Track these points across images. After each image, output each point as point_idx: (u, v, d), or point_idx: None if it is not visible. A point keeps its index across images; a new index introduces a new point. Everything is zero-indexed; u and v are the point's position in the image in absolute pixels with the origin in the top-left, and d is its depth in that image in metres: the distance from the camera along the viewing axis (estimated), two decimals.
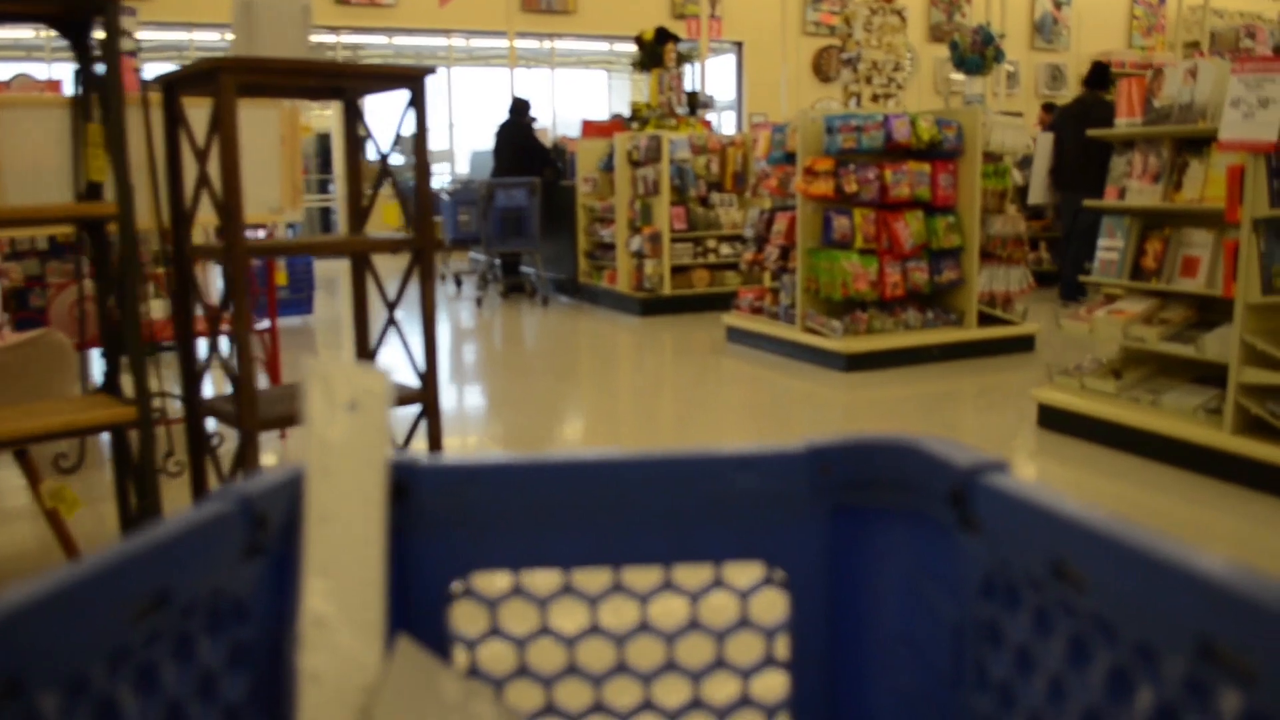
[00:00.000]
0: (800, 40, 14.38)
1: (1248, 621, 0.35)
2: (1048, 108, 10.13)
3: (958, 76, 9.79)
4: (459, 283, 9.69)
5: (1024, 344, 6.04)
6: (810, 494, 0.57)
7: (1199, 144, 3.88)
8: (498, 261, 9.37)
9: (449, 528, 0.57)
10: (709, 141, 8.09)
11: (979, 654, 0.51)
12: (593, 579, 0.58)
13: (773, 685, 0.59)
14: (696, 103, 8.67)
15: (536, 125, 10.59)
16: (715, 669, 0.59)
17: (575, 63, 16.25)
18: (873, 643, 0.57)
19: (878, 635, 0.57)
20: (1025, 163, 8.21)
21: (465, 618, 0.58)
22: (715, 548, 0.57)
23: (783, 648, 0.58)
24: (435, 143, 15.53)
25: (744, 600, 0.58)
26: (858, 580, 0.57)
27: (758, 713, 0.58)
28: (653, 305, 7.99)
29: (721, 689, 0.59)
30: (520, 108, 9.36)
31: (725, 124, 14.54)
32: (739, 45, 15.18)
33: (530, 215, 8.59)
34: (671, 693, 0.59)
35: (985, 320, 5.98)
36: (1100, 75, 8.10)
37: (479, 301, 8.69)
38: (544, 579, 0.57)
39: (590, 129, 9.05)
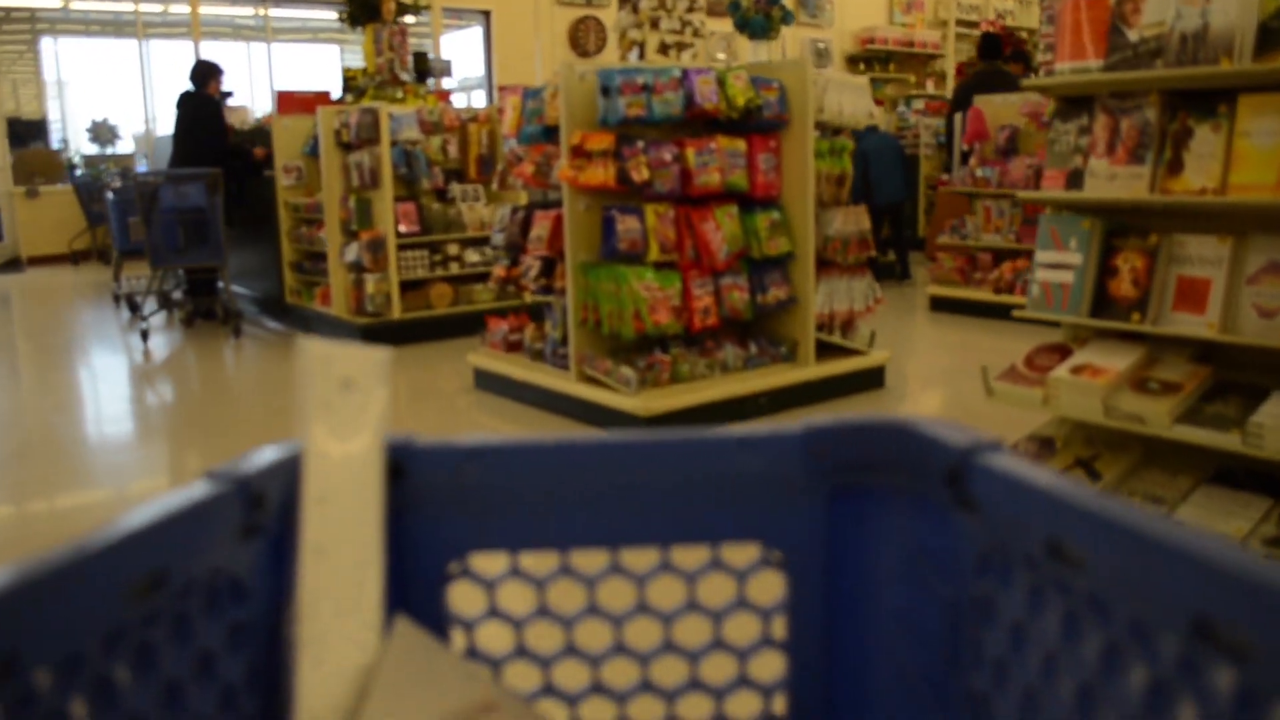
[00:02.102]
0: (554, 10, 12.66)
1: (1244, 600, 0.35)
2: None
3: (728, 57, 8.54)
4: (135, 306, 7.18)
5: (873, 379, 4.53)
6: (807, 475, 0.57)
7: (1211, 98, 2.37)
8: (180, 278, 7.10)
9: (446, 508, 0.56)
10: (444, 117, 6.18)
11: (975, 632, 0.51)
12: (591, 560, 0.57)
13: (770, 665, 0.59)
14: (428, 68, 6.72)
15: (234, 102, 8.26)
16: (713, 649, 0.59)
17: (302, 35, 13.86)
18: (869, 622, 0.57)
19: (874, 614, 0.57)
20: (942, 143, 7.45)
21: (463, 599, 0.58)
22: (713, 529, 0.57)
23: (780, 628, 0.58)
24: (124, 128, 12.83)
25: (741, 581, 0.58)
26: (855, 560, 0.57)
27: (755, 693, 0.59)
28: (378, 333, 6.02)
29: (719, 669, 0.59)
30: (203, 74, 7.09)
31: (475, 104, 12.62)
32: (486, 15, 13.25)
33: (211, 219, 6.40)
34: (669, 673, 0.59)
35: (825, 351, 4.42)
36: (993, 45, 7.35)
37: (144, 335, 6.40)
38: (542, 560, 0.57)
39: (289, 102, 6.92)
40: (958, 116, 7.47)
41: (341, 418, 0.51)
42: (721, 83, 4.03)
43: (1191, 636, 0.37)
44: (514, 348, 4.70)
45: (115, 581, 0.41)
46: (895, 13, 14.94)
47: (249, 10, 12.99)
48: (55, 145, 13.55)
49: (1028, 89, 2.97)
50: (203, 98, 7.04)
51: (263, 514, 0.50)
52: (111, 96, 13.43)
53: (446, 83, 7.05)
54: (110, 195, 6.65)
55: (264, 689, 0.51)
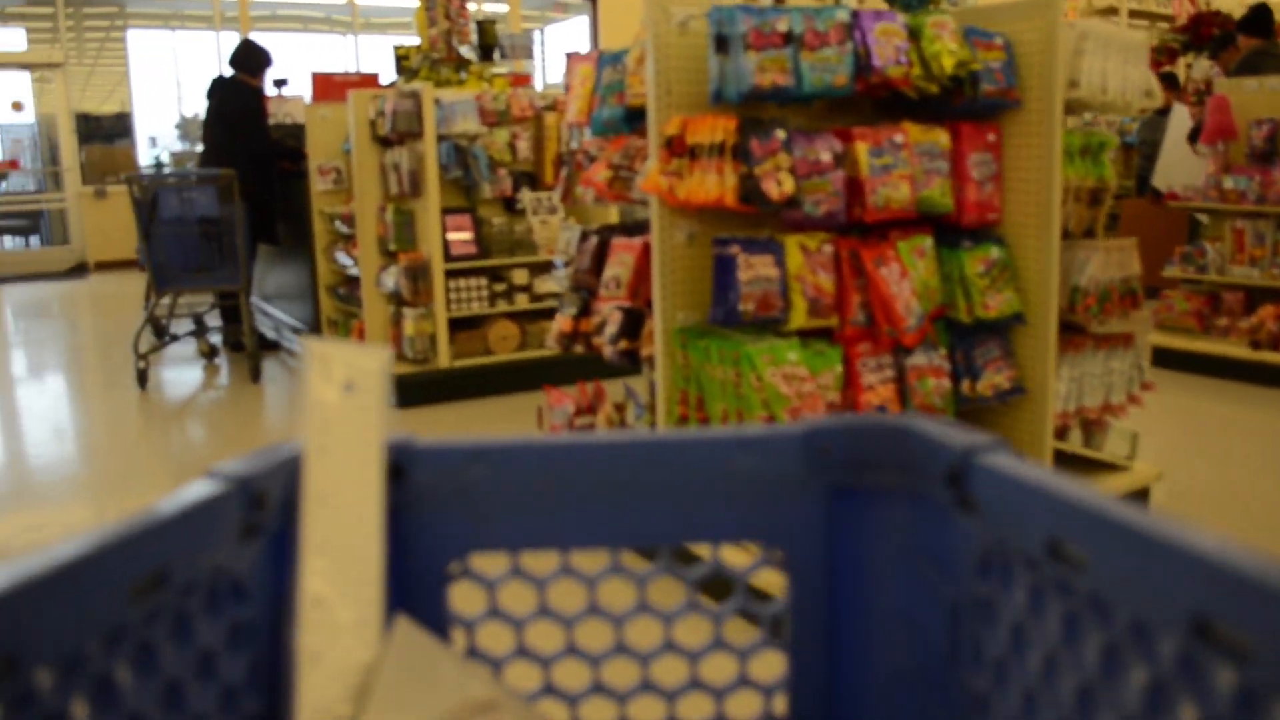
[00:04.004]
0: None
1: (1244, 600, 0.35)
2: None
3: None
4: (161, 330, 5.84)
5: None
6: (808, 475, 0.57)
7: None
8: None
9: (447, 508, 0.56)
10: (512, 103, 4.71)
11: (975, 632, 0.52)
12: (591, 560, 0.57)
13: (771, 665, 0.59)
14: (494, 41, 5.25)
15: (283, 92, 6.98)
16: (714, 649, 0.59)
17: (392, 26, 12.72)
18: (870, 622, 0.58)
19: (875, 614, 0.57)
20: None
21: (463, 599, 0.58)
22: (714, 528, 0.57)
23: (780, 629, 0.59)
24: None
25: (742, 580, 0.58)
26: (855, 560, 0.57)
27: (756, 692, 0.59)
28: (419, 389, 4.58)
29: (720, 670, 0.59)
30: (244, 58, 5.80)
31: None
32: (593, 1, 11.83)
33: (226, 231, 5.08)
34: (670, 673, 0.59)
35: (1061, 462, 2.78)
36: (1262, 20, 5.80)
37: (140, 376, 5.11)
38: (542, 560, 0.57)
39: (327, 88, 5.55)
40: (1180, 110, 5.69)
41: (342, 417, 0.52)
42: (915, 35, 2.43)
43: (1191, 636, 0.37)
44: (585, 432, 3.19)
45: (116, 581, 0.41)
46: None
47: None
48: (142, 142, 12.71)
49: None
50: (237, 84, 5.75)
51: (263, 514, 0.50)
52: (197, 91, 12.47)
53: (525, 67, 5.61)
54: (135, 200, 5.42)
55: (264, 688, 0.52)
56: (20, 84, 12.13)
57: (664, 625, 0.58)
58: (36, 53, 11.64)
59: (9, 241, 12.40)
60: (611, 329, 2.88)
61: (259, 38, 6.13)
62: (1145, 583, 0.39)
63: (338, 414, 0.51)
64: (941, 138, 2.55)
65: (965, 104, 2.56)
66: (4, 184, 12.88)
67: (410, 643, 0.51)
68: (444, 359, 4.62)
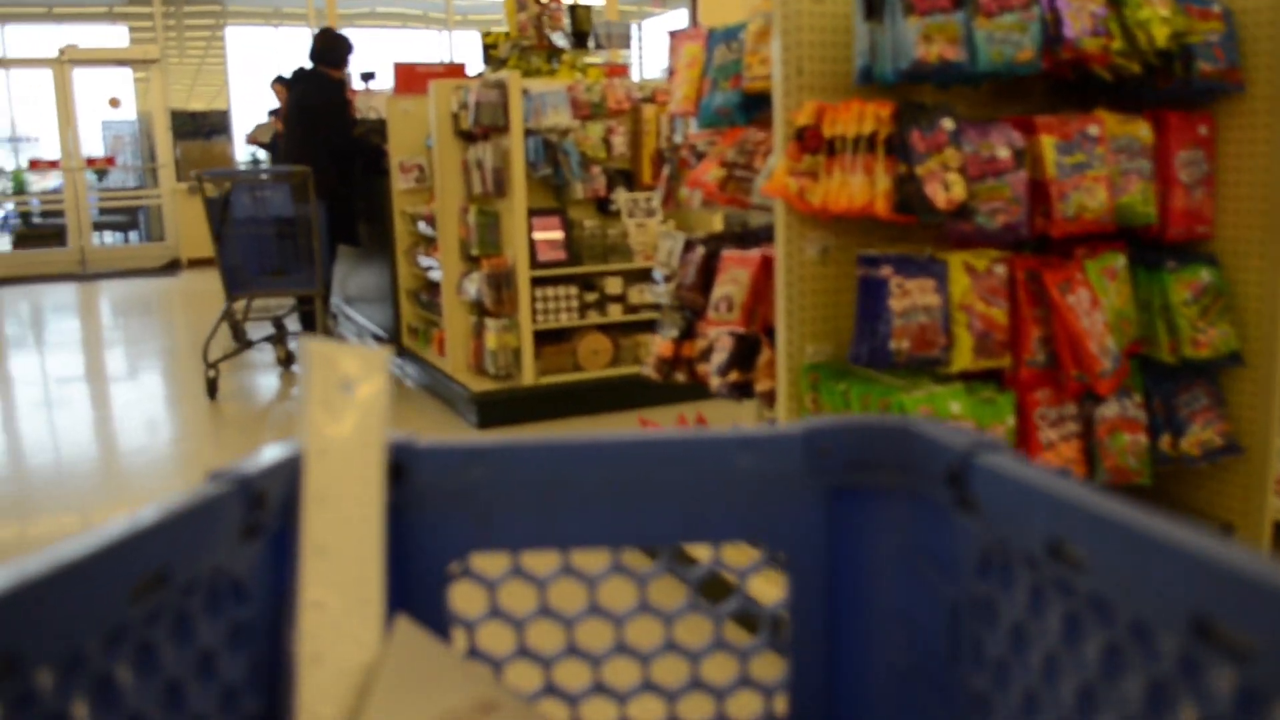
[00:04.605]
0: None
1: (1244, 600, 0.35)
2: None
3: None
4: (240, 333, 5.63)
5: None
6: (808, 475, 0.57)
7: None
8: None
9: (447, 508, 0.56)
10: (608, 95, 4.28)
11: (975, 632, 0.52)
12: (592, 560, 0.57)
13: (771, 665, 0.59)
14: (588, 27, 4.81)
15: (370, 86, 6.74)
16: (714, 649, 0.59)
17: (484, 22, 12.47)
18: (870, 622, 0.57)
19: (875, 615, 0.57)
20: None
21: (464, 599, 0.58)
22: (714, 529, 0.57)
23: (780, 629, 0.59)
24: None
25: (742, 580, 0.58)
26: (856, 560, 0.57)
27: (756, 693, 0.59)
28: (500, 408, 4.19)
29: (720, 670, 0.59)
30: (325, 49, 5.51)
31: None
32: None
33: (304, 233, 4.78)
34: (670, 673, 0.59)
35: None
36: None
37: (210, 385, 4.83)
38: (542, 560, 0.57)
39: (410, 79, 5.19)
40: None
41: (342, 417, 0.51)
42: (1115, 1, 1.92)
43: (1191, 636, 0.37)
44: None
45: (117, 580, 0.41)
46: None
47: None
48: (240, 139, 12.74)
49: None
50: (319, 76, 5.44)
51: (263, 514, 0.50)
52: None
53: (622, 56, 5.17)
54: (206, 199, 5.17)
55: (265, 689, 0.51)
56: (123, 81, 12.20)
57: (664, 625, 0.58)
58: (133, 49, 11.67)
59: (109, 237, 12.49)
60: (720, 357, 2.44)
61: (353, 34, 5.83)
62: (1145, 583, 0.39)
63: (338, 414, 0.51)
64: (1142, 130, 2.03)
65: (1173, 88, 2.03)
66: (105, 180, 13.00)
67: (410, 643, 0.51)
68: (528, 375, 4.22)
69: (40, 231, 11.64)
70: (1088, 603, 0.43)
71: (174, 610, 0.44)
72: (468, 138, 4.34)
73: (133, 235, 12.54)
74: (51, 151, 11.26)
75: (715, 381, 2.43)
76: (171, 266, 11.20)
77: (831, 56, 1.98)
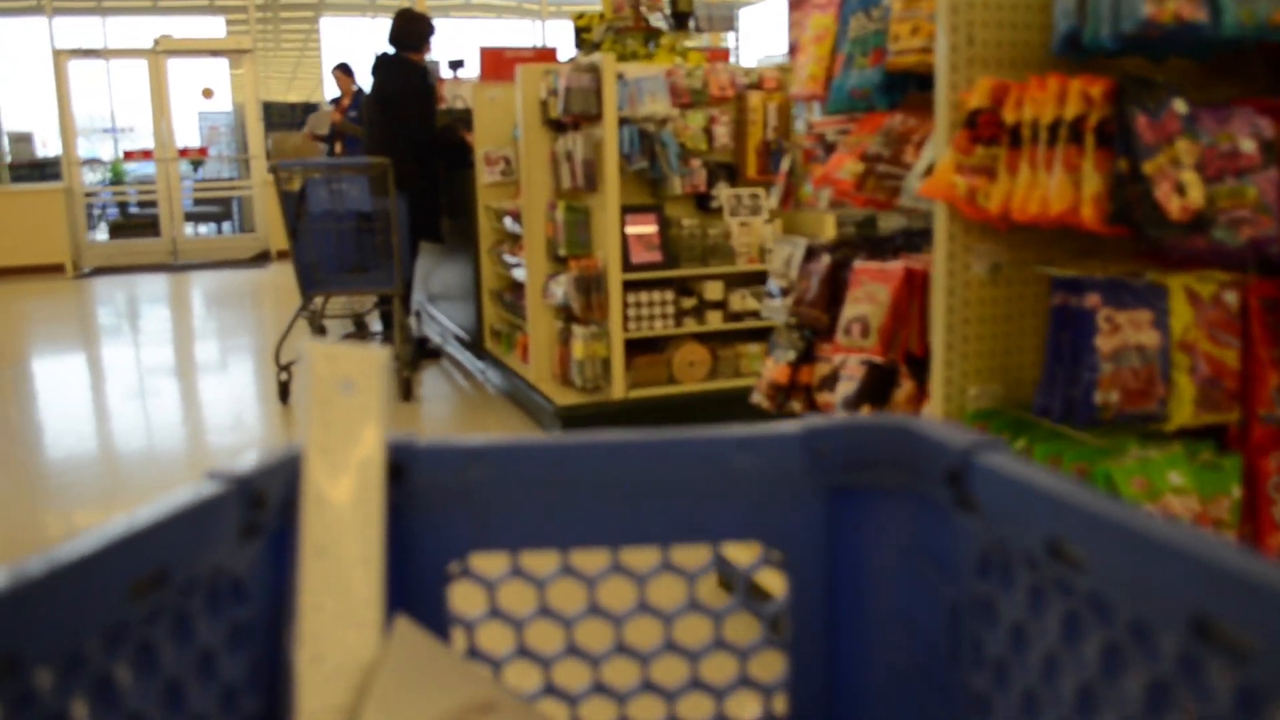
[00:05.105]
0: None
1: (1244, 600, 0.34)
2: None
3: None
4: (321, 330, 5.42)
5: None
6: (807, 474, 0.56)
7: None
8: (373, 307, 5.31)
9: (447, 508, 0.56)
10: (711, 81, 3.89)
11: (975, 632, 0.51)
12: (591, 559, 0.57)
13: (771, 665, 0.58)
14: (688, 8, 4.41)
15: (458, 74, 6.48)
16: (714, 649, 0.58)
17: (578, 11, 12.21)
18: (870, 622, 0.57)
19: (875, 614, 0.57)
20: None
21: (464, 599, 0.57)
22: (713, 528, 0.57)
23: (780, 629, 0.58)
24: None
25: (742, 580, 0.58)
26: (855, 560, 0.57)
27: (756, 692, 0.58)
28: (586, 423, 3.83)
29: (720, 670, 0.58)
30: (403, 32, 5.22)
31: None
32: None
33: (382, 229, 4.51)
34: (670, 673, 0.58)
35: None
36: None
37: (283, 389, 4.59)
38: (542, 560, 0.56)
39: (497, 65, 4.87)
40: None
41: (342, 418, 0.51)
42: None
43: (1191, 636, 0.36)
44: None
45: (116, 580, 0.40)
46: None
47: None
48: None
49: None
50: (399, 62, 5.14)
51: (263, 513, 0.50)
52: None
53: (725, 40, 4.78)
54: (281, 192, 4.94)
55: (264, 688, 0.51)
56: (219, 72, 12.21)
57: (664, 625, 0.58)
58: (226, 40, 11.65)
59: (203, 228, 12.53)
60: (848, 388, 2.05)
61: (446, 25, 5.55)
62: (1145, 583, 0.38)
63: (338, 414, 0.51)
64: None
65: None
66: (201, 170, 13.03)
67: (410, 643, 0.51)
68: (618, 388, 3.86)
69: (135, 221, 11.72)
70: (1087, 602, 0.43)
71: (173, 610, 0.44)
72: (557, 127, 3.99)
73: (226, 226, 12.57)
74: (146, 142, 11.30)
75: (841, 416, 2.03)
76: (261, 258, 11.14)
77: (1012, 22, 1.57)
